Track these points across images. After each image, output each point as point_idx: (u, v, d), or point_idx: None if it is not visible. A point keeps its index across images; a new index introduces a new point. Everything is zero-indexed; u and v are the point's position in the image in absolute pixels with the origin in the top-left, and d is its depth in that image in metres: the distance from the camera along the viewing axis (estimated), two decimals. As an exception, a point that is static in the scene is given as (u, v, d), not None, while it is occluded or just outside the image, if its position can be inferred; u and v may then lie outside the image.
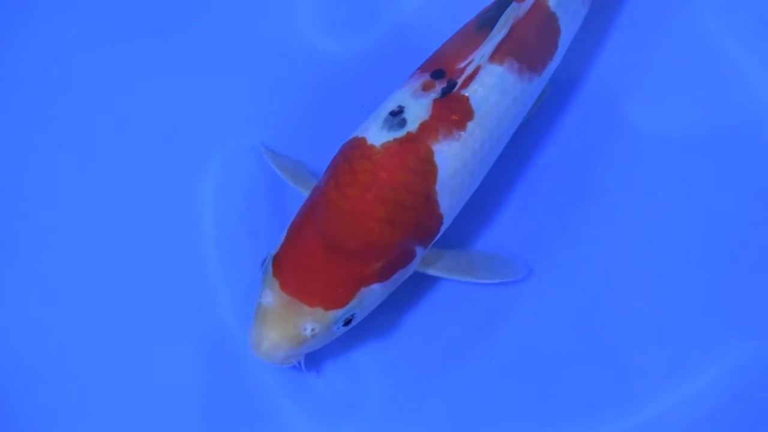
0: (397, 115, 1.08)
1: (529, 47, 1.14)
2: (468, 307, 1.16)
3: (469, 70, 1.09)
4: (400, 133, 1.07)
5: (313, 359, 1.14)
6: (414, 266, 1.11)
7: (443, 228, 1.12)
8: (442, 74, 1.10)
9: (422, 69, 1.12)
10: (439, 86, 1.09)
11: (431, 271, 1.14)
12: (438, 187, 1.08)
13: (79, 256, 1.21)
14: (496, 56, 1.11)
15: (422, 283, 1.16)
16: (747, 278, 1.19)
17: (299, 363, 1.08)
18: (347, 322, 1.06)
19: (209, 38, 1.31)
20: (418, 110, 1.08)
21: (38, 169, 1.25)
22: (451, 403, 1.15)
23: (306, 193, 1.13)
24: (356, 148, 1.08)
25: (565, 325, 1.17)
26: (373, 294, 1.07)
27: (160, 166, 1.25)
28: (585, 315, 1.18)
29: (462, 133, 1.09)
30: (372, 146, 1.07)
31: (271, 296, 1.05)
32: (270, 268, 1.06)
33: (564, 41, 1.19)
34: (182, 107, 1.27)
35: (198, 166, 1.25)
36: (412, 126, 1.07)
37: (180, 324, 1.19)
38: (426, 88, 1.10)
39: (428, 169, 1.07)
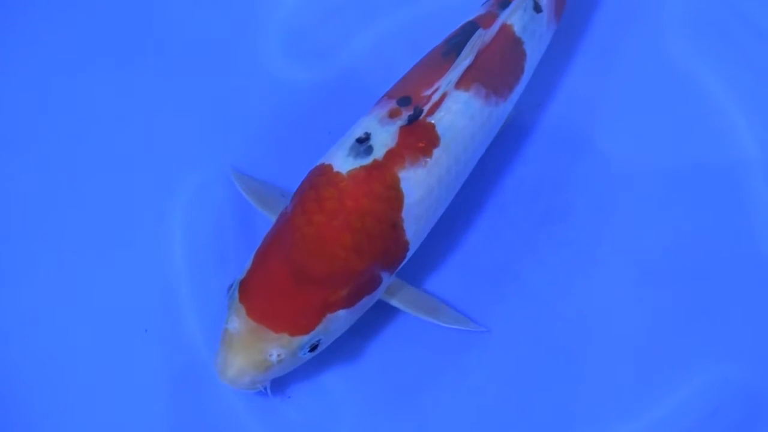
0: (363, 143, 1.08)
1: (495, 73, 1.15)
2: (438, 331, 1.16)
3: (435, 97, 1.10)
4: (367, 161, 1.07)
5: (284, 383, 1.14)
6: (380, 293, 1.11)
7: (409, 254, 1.12)
8: (409, 101, 1.10)
9: (389, 96, 1.13)
10: (406, 113, 1.10)
11: (395, 302, 1.14)
12: (404, 214, 1.08)
13: (50, 283, 1.21)
14: (462, 82, 1.11)
15: (390, 308, 1.17)
16: (718, 298, 1.19)
17: (266, 388, 1.08)
18: (313, 348, 1.06)
19: (178, 68, 1.31)
20: (384, 137, 1.08)
21: (9, 199, 1.25)
22: (422, 427, 1.15)
23: (273, 218, 1.13)
24: (323, 175, 1.09)
25: (537, 348, 1.17)
26: (339, 320, 1.07)
27: (130, 193, 1.25)
28: (557, 337, 1.18)
29: (428, 159, 1.09)
30: (338, 173, 1.07)
31: (237, 322, 1.04)
32: (236, 294, 1.06)
33: (530, 65, 1.20)
34: (152, 136, 1.28)
35: (168, 193, 1.25)
36: (378, 153, 1.08)
37: (149, 349, 1.18)
38: (392, 115, 1.10)
39: (394, 196, 1.08)
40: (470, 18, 1.18)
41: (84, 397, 1.17)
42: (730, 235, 1.22)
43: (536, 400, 1.15)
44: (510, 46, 1.17)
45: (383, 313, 1.18)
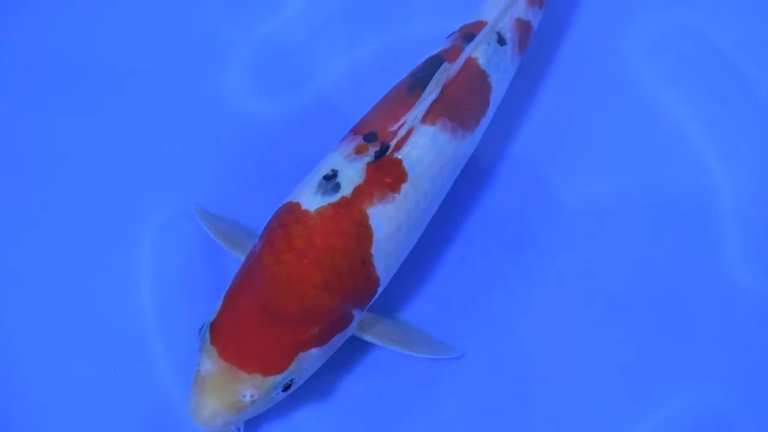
0: (330, 180, 1.08)
1: (461, 106, 1.15)
2: (411, 363, 1.16)
3: (401, 133, 1.10)
4: (335, 198, 1.07)
5: (257, 423, 1.13)
6: (352, 329, 1.11)
7: (380, 289, 1.12)
8: (375, 137, 1.11)
9: (355, 131, 1.13)
10: (372, 149, 1.10)
11: (368, 338, 1.14)
12: (374, 250, 1.08)
13: (17, 322, 1.20)
14: (428, 117, 1.11)
15: (363, 343, 1.17)
16: (687, 324, 1.20)
17: (239, 429, 1.08)
18: (286, 388, 1.06)
19: (144, 103, 1.31)
20: (351, 174, 1.08)
21: None
22: None
23: (241, 257, 1.13)
24: (291, 213, 1.08)
25: (509, 376, 1.18)
26: (312, 359, 1.07)
27: (97, 231, 1.25)
28: (528, 365, 1.18)
29: (396, 195, 1.09)
30: (306, 211, 1.07)
31: (210, 364, 1.04)
32: (207, 336, 1.05)
33: (495, 97, 1.20)
34: (118, 173, 1.28)
35: (135, 230, 1.25)
36: (346, 190, 1.08)
37: (121, 392, 1.18)
38: (359, 151, 1.10)
39: (363, 233, 1.08)
40: (435, 52, 1.18)
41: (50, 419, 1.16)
42: (697, 260, 1.24)
43: (508, 430, 1.16)
44: (475, 80, 1.18)
45: (356, 347, 1.18)
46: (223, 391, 1.03)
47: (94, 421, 1.16)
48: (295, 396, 1.13)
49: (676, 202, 1.26)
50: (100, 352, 1.19)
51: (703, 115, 1.30)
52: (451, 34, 1.21)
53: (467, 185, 1.25)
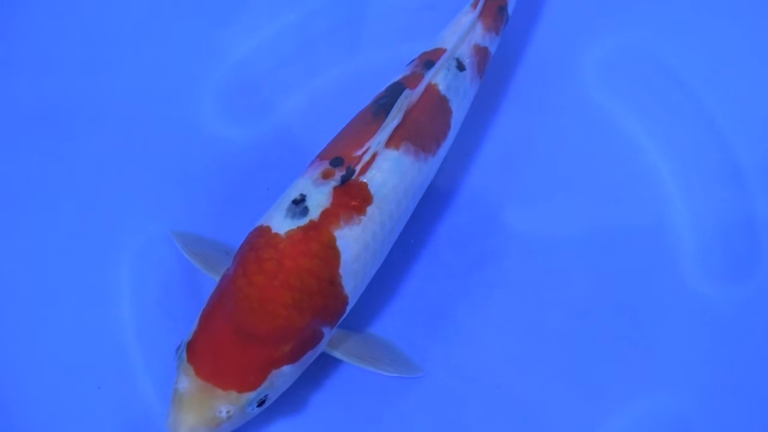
0: (299, 204, 1.10)
1: (423, 130, 1.17)
2: (379, 378, 1.18)
3: (366, 158, 1.12)
4: (303, 221, 1.09)
5: None
6: (323, 346, 1.12)
7: (349, 308, 1.14)
8: (341, 162, 1.12)
9: (321, 157, 1.15)
10: (339, 174, 1.11)
11: (337, 354, 1.16)
12: (342, 271, 1.10)
13: (2, 347, 1.21)
14: (392, 141, 1.14)
15: (333, 358, 1.18)
16: (645, 333, 1.22)
17: None
18: (261, 403, 1.08)
19: (119, 131, 1.32)
20: (319, 198, 1.10)
21: None
22: None
23: (216, 278, 1.13)
24: (262, 236, 1.10)
25: (474, 386, 1.19)
26: (284, 375, 1.08)
27: (77, 255, 1.26)
28: (492, 375, 1.20)
29: (362, 217, 1.11)
30: (276, 234, 1.09)
31: (187, 381, 1.05)
32: (184, 355, 1.06)
33: (456, 121, 1.22)
34: (95, 199, 1.28)
35: (113, 253, 1.26)
36: (314, 214, 1.09)
37: (105, 408, 1.18)
38: (326, 176, 1.12)
39: (331, 254, 1.09)
40: (397, 78, 1.21)
41: None
42: (653, 271, 1.25)
43: None
44: (436, 105, 1.20)
45: (327, 363, 1.19)
46: (201, 407, 1.04)
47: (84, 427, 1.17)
48: (269, 410, 1.14)
49: (632, 215, 1.28)
50: (85, 371, 1.20)
51: (656, 131, 1.32)
52: (412, 61, 1.23)
53: (430, 204, 1.27)
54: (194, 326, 1.09)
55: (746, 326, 1.24)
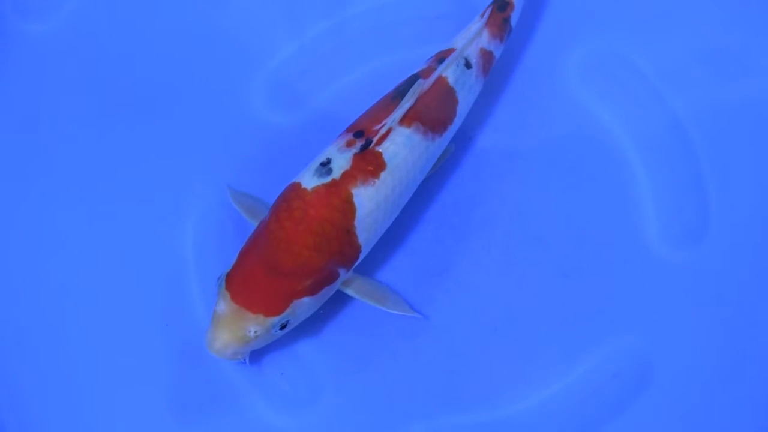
0: (325, 166, 1.17)
1: (431, 114, 1.23)
2: (394, 318, 1.25)
3: (382, 131, 1.18)
4: (327, 180, 1.16)
5: (276, 362, 1.25)
6: (338, 284, 1.19)
7: (362, 255, 1.20)
8: (362, 134, 1.19)
9: (348, 130, 1.21)
10: (359, 143, 1.18)
11: (350, 292, 1.22)
12: (356, 223, 1.17)
13: (85, 291, 1.30)
14: (404, 120, 1.19)
15: (349, 297, 1.24)
16: (616, 287, 1.29)
17: (245, 359, 1.17)
18: (283, 327, 1.15)
19: (186, 115, 1.38)
20: (341, 162, 1.17)
21: (42, 227, 1.33)
22: (384, 384, 1.25)
23: (256, 224, 1.20)
24: (293, 190, 1.17)
25: (473, 329, 1.27)
26: (304, 305, 1.16)
27: (149, 220, 1.34)
28: (488, 320, 1.27)
29: (376, 180, 1.18)
30: (305, 189, 1.16)
31: (223, 305, 1.13)
32: (223, 283, 1.14)
33: (462, 109, 1.27)
34: (164, 172, 1.36)
35: (181, 215, 1.33)
36: (336, 174, 1.16)
37: (170, 341, 1.27)
38: (349, 144, 1.18)
39: (348, 208, 1.16)
40: (415, 71, 1.26)
41: (109, 367, 1.27)
42: (622, 237, 1.31)
43: (471, 371, 1.25)
44: (445, 94, 1.25)
45: (344, 301, 1.26)
46: (233, 327, 1.12)
47: (145, 354, 1.27)
48: (302, 345, 1.25)
49: (604, 190, 1.33)
50: (156, 312, 1.29)
51: (625, 120, 1.36)
52: (429, 58, 1.28)
53: (438, 178, 1.32)
54: (233, 261, 1.16)
55: (696, 282, 1.29)
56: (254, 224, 1.23)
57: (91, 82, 1.40)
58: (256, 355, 1.23)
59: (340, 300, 1.26)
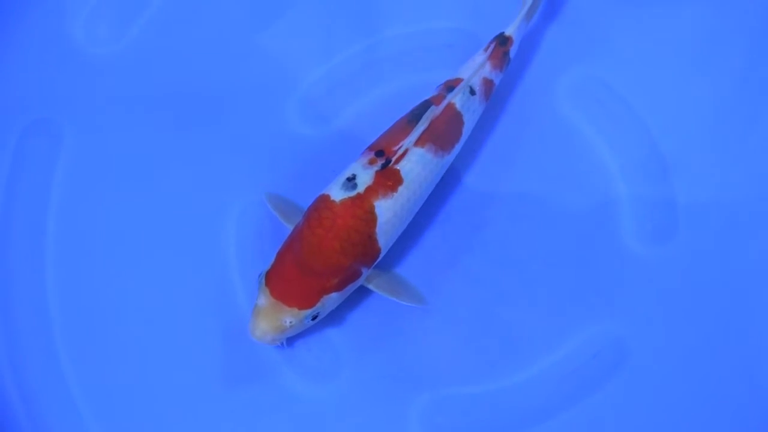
0: (351, 181, 1.23)
1: (442, 135, 1.29)
2: (406, 307, 1.29)
3: (400, 152, 1.24)
4: (353, 193, 1.22)
5: (304, 342, 1.30)
6: (361, 281, 1.25)
7: (381, 256, 1.26)
8: (382, 153, 1.25)
9: (369, 149, 1.26)
10: (380, 162, 1.24)
11: (371, 287, 1.27)
12: (377, 230, 1.23)
13: (140, 283, 1.36)
14: (419, 142, 1.25)
15: (368, 290, 1.29)
16: (597, 278, 1.36)
17: (282, 343, 1.24)
18: (314, 318, 1.22)
19: (227, 124, 1.45)
20: (365, 178, 1.23)
21: (96, 223, 1.39)
22: (398, 358, 1.31)
23: (291, 228, 1.25)
24: (323, 201, 1.22)
25: (475, 315, 1.33)
26: (332, 300, 1.22)
27: (193, 219, 1.40)
28: (486, 307, 1.34)
29: (394, 194, 1.24)
30: (333, 201, 1.22)
31: (263, 299, 1.19)
32: (263, 280, 1.20)
33: (467, 129, 1.33)
34: (207, 175, 1.42)
35: (222, 216, 1.40)
36: (360, 188, 1.22)
37: (217, 326, 1.33)
38: (371, 162, 1.25)
39: (370, 218, 1.22)
40: (427, 97, 1.32)
41: (168, 348, 1.33)
42: (602, 236, 1.38)
43: (470, 349, 1.32)
44: (453, 118, 1.31)
45: (364, 293, 1.32)
46: (271, 317, 1.19)
47: (193, 334, 1.33)
48: (327, 326, 1.31)
49: (587, 195, 1.41)
50: (200, 303, 1.34)
51: (605, 135, 1.45)
52: (439, 86, 1.34)
53: (445, 186, 1.39)
54: (272, 260, 1.22)
55: (666, 274, 1.36)
56: (288, 226, 1.28)
57: (151, 98, 1.46)
58: (289, 337, 1.27)
59: (360, 291, 1.30)
